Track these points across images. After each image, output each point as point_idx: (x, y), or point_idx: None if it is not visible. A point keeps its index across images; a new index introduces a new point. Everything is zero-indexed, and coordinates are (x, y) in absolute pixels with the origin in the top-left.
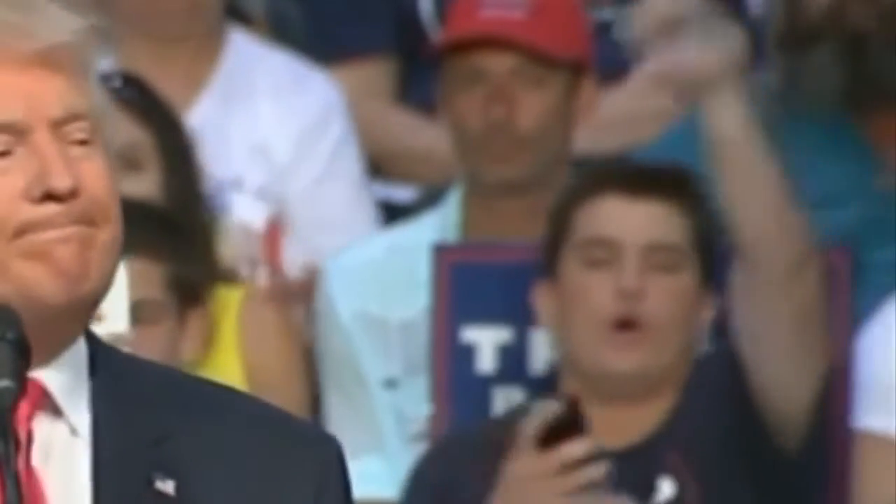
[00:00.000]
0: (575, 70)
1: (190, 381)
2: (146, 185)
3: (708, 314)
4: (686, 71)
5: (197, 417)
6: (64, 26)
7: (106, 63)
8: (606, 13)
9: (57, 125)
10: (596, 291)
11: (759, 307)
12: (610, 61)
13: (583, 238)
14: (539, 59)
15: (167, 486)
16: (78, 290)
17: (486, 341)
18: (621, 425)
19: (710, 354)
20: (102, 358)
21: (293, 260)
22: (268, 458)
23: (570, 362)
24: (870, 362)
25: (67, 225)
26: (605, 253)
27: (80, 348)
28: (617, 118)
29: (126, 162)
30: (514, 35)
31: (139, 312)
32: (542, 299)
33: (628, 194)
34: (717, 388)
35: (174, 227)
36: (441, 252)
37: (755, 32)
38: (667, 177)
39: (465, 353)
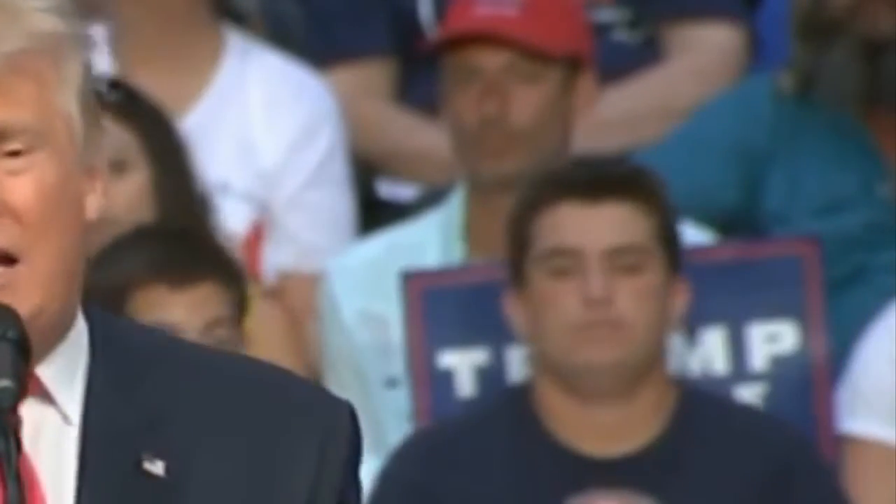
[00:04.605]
0: (572, 65)
1: (190, 349)
2: (131, 186)
3: (681, 302)
4: None
5: (194, 390)
6: None
7: (101, 67)
8: (606, 13)
9: None
10: (563, 301)
11: None
12: (610, 61)
13: (545, 249)
14: (532, 54)
15: (157, 468)
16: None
17: (463, 365)
18: (609, 431)
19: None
20: (101, 340)
21: (272, 266)
22: (267, 429)
23: (546, 367)
24: (873, 367)
25: None
26: (568, 262)
27: (76, 334)
28: (617, 118)
29: (112, 165)
30: (505, 32)
31: (214, 332)
32: (513, 309)
33: (585, 199)
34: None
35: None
36: (410, 279)
37: (756, 33)
38: (623, 177)
39: (445, 379)
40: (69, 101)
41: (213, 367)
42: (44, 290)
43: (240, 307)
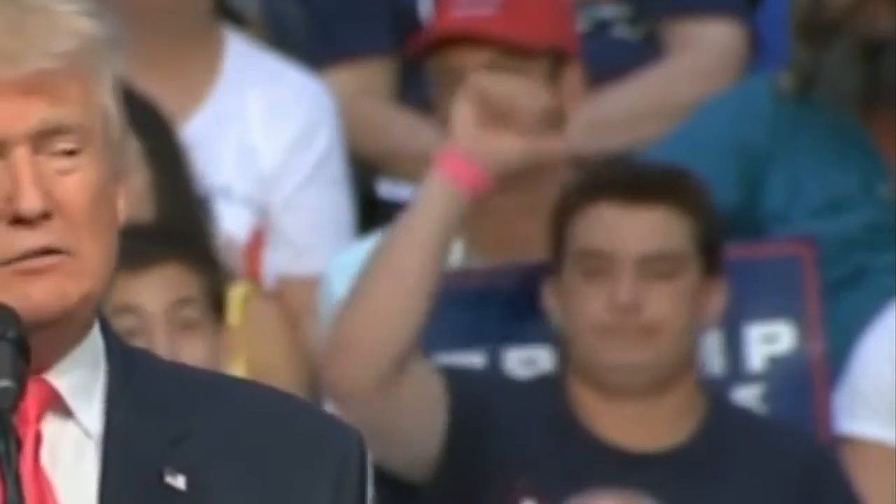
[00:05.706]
0: (556, 59)
1: (206, 375)
2: (129, 189)
3: (717, 303)
4: None
5: (215, 414)
6: (53, 47)
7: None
8: (606, 10)
9: (38, 139)
10: (592, 303)
11: None
12: (610, 58)
13: (579, 248)
14: (512, 51)
15: (178, 482)
16: (63, 308)
17: None
18: (636, 425)
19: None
20: (119, 356)
21: (272, 267)
22: (284, 458)
23: (574, 361)
24: (872, 367)
25: (40, 255)
26: (600, 264)
27: (93, 347)
28: (617, 117)
29: None
30: (483, 30)
31: (181, 312)
32: (550, 297)
33: (624, 201)
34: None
35: (202, 243)
36: None
37: (756, 32)
38: (664, 180)
39: None
40: (108, 103)
41: (229, 391)
42: (92, 279)
43: (214, 294)
